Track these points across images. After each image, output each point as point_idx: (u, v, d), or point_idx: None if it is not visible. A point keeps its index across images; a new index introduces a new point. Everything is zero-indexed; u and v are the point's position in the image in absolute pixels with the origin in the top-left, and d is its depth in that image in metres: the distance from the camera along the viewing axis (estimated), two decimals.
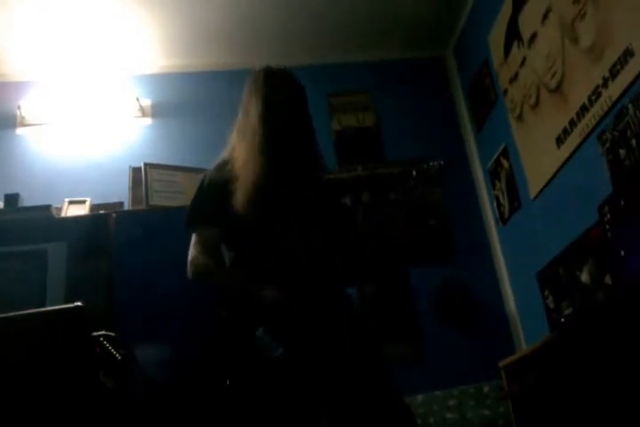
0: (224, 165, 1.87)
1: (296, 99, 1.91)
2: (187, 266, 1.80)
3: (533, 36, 2.93)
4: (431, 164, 1.88)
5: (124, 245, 2.80)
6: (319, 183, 1.95)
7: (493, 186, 3.60)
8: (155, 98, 3.87)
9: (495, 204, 3.59)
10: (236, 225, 1.79)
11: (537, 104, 2.98)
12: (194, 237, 1.83)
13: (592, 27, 2.45)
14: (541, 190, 3.01)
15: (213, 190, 1.84)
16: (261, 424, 1.64)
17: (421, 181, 1.88)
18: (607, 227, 2.38)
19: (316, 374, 1.65)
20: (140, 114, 3.81)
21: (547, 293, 2.99)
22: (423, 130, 3.91)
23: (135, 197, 3.21)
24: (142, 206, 3.12)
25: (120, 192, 3.33)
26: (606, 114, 2.42)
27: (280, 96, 1.88)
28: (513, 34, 3.14)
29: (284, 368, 1.63)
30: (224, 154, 1.92)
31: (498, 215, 3.56)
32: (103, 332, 1.82)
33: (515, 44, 3.14)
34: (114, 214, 2.92)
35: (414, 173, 1.88)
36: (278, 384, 1.63)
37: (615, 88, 2.34)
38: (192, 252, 1.81)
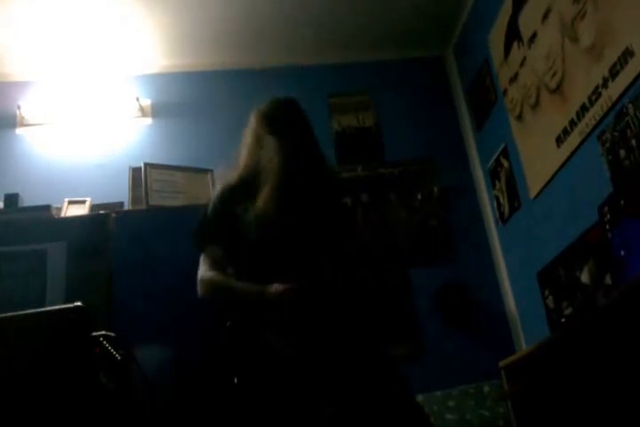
0: (236, 185, 1.90)
1: (307, 133, 1.96)
2: (197, 285, 1.83)
3: (533, 36, 2.93)
4: (435, 189, 1.89)
5: (123, 245, 2.80)
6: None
7: (493, 186, 3.60)
8: (155, 98, 3.87)
9: (495, 204, 3.59)
10: (244, 246, 1.81)
11: (537, 104, 2.98)
12: (202, 257, 1.87)
13: (592, 27, 2.45)
14: (541, 190, 3.01)
15: (223, 211, 1.87)
16: (269, 423, 1.64)
17: (426, 203, 1.90)
18: (607, 227, 2.38)
19: (324, 374, 1.65)
20: (140, 114, 3.81)
21: (547, 293, 2.99)
22: (423, 130, 3.91)
23: (135, 197, 3.21)
24: (142, 206, 3.12)
25: (120, 192, 3.32)
26: (606, 114, 2.42)
27: (291, 132, 1.92)
28: (513, 34, 3.14)
29: (292, 368, 1.63)
30: (234, 173, 1.94)
31: (498, 215, 3.56)
32: (103, 332, 1.82)
33: (515, 44, 3.14)
34: (114, 214, 2.92)
35: (419, 196, 1.90)
36: (286, 384, 1.63)
37: (615, 88, 2.34)
38: (200, 271, 1.84)
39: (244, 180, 1.91)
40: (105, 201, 3.28)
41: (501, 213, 3.51)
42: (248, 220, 1.81)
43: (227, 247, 1.84)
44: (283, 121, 1.96)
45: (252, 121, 1.98)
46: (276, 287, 1.68)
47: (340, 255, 1.84)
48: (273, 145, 1.88)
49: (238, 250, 1.83)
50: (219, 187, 1.97)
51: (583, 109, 2.56)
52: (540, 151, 2.99)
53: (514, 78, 3.20)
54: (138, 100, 3.77)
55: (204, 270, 1.83)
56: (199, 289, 1.82)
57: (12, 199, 3.18)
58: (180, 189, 3.22)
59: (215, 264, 1.83)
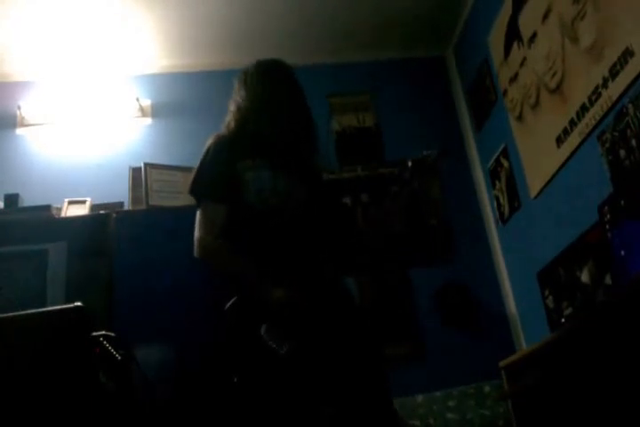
0: (231, 139, 1.86)
1: (298, 94, 1.97)
2: (193, 244, 1.76)
3: (533, 36, 2.93)
4: (426, 153, 1.88)
5: (124, 245, 2.80)
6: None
7: (493, 186, 3.60)
8: (155, 98, 3.87)
9: (495, 204, 3.59)
10: (245, 207, 1.77)
11: (537, 104, 2.98)
12: (200, 212, 1.78)
13: (592, 27, 2.45)
14: (541, 190, 3.01)
15: (224, 166, 1.80)
16: (269, 422, 1.64)
17: (418, 171, 1.88)
18: (607, 227, 2.38)
19: (320, 372, 1.66)
20: (140, 114, 3.81)
21: (547, 293, 2.99)
22: (423, 130, 3.91)
23: (135, 197, 3.21)
24: (142, 206, 3.12)
25: (120, 192, 3.33)
26: (606, 114, 2.42)
27: (282, 92, 1.93)
28: (513, 34, 3.14)
29: (290, 366, 1.63)
30: (228, 125, 1.91)
31: (498, 215, 3.56)
32: (103, 332, 1.82)
33: (515, 44, 3.14)
34: (114, 214, 2.92)
35: (410, 163, 1.87)
36: (285, 382, 1.63)
37: (615, 88, 2.34)
38: (200, 230, 1.76)
39: (240, 134, 1.85)
40: (105, 201, 3.28)
41: (501, 213, 3.51)
42: (249, 182, 1.76)
43: (228, 208, 1.77)
44: (276, 81, 1.93)
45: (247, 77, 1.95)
46: (279, 295, 1.66)
47: (340, 254, 1.84)
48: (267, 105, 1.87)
49: (238, 214, 1.77)
50: (215, 137, 1.88)
51: (583, 109, 2.57)
52: (540, 151, 2.99)
53: (514, 78, 3.20)
54: (138, 100, 3.77)
55: (205, 232, 1.75)
56: (197, 250, 1.76)
57: (12, 199, 3.18)
58: (180, 189, 3.21)
59: (214, 227, 1.75)
